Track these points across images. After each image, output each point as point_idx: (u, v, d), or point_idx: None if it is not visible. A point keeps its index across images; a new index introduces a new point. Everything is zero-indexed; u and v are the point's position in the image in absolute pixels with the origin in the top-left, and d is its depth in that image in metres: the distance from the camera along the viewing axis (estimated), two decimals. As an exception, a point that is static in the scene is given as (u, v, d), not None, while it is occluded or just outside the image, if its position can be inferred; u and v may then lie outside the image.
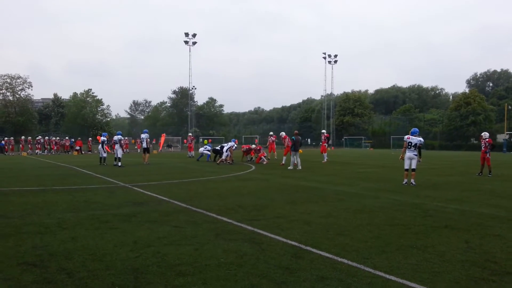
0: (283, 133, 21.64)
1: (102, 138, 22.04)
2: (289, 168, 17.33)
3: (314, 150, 40.75)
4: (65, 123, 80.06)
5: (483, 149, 15.17)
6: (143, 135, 21.01)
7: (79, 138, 42.58)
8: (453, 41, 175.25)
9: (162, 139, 45.93)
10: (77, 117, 77.81)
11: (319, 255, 4.59)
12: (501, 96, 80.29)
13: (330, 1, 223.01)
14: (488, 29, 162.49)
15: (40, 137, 39.97)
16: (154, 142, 43.08)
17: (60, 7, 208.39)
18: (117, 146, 19.75)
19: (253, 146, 23.31)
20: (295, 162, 17.31)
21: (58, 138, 42.01)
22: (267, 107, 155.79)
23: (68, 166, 19.70)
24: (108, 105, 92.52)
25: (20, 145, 37.96)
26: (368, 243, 5.11)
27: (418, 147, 11.42)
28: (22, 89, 74.64)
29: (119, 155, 19.25)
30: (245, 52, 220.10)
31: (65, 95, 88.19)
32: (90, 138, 45.56)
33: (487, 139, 15.13)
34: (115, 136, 21.06)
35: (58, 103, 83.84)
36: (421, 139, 11.59)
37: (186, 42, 60.87)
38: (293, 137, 17.81)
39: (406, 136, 11.72)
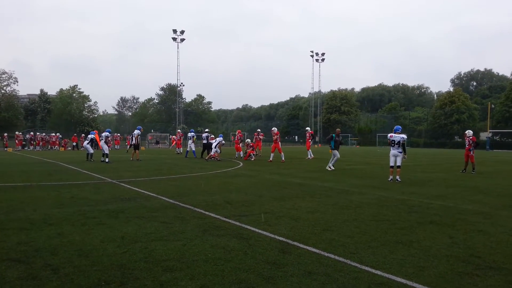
0: (275, 129, 21.65)
1: (90, 136, 21.87)
2: (332, 168, 15.77)
3: (301, 147, 40.99)
4: (52, 119, 78.62)
5: (467, 146, 15.43)
6: (136, 131, 21.05)
7: (75, 134, 42.71)
8: (438, 41, 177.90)
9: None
10: (63, 113, 76.51)
11: (306, 250, 4.62)
12: (485, 95, 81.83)
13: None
14: (471, 29, 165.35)
15: (32, 133, 39.54)
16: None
17: (45, 2, 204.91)
18: (101, 142, 19.69)
19: (248, 140, 23.66)
20: (337, 156, 15.99)
21: (58, 134, 41.54)
22: (255, 104, 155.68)
23: (55, 162, 19.42)
24: (95, 102, 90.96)
25: (16, 141, 37.61)
26: (354, 238, 5.17)
27: (402, 144, 11.66)
28: (8, 85, 72.85)
29: (106, 151, 19.11)
30: (233, 50, 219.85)
31: (52, 91, 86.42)
32: (83, 135, 45.13)
33: (471, 137, 15.40)
34: (103, 133, 21.03)
35: (45, 99, 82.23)
36: (404, 136, 11.85)
37: (174, 39, 60.28)
38: (333, 135, 16.54)
39: (389, 135, 12.04)
